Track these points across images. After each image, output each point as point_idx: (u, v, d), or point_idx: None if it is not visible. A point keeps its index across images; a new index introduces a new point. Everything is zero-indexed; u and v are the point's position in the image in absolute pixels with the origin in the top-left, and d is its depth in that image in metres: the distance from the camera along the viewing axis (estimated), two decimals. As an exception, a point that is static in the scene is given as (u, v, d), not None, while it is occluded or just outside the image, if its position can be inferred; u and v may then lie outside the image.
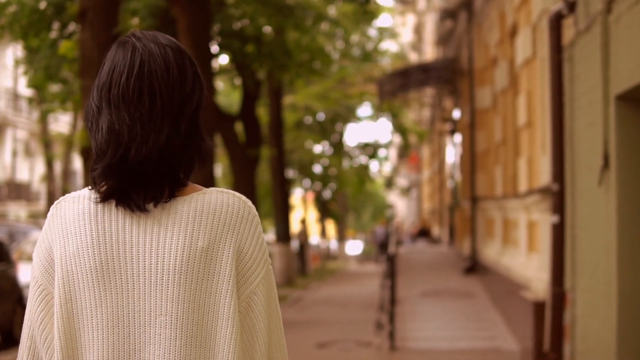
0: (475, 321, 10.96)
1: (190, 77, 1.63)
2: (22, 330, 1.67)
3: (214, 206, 1.60)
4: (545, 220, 8.13)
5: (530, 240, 9.91)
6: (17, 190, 35.13)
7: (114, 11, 8.34)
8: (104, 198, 1.59)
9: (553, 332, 6.94)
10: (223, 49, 14.75)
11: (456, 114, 20.47)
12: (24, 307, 11.73)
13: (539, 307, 7.60)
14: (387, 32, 29.65)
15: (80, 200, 1.63)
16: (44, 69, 10.80)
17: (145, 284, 1.57)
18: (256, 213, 1.65)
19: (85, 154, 8.14)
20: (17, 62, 11.82)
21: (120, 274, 1.58)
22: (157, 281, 1.56)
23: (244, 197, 1.65)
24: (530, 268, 9.45)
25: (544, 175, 8.17)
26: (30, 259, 14.88)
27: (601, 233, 5.89)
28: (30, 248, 15.40)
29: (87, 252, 1.58)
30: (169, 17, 11.63)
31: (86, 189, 1.65)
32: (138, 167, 1.56)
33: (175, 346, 1.55)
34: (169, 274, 1.56)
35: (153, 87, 1.58)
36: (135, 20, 12.14)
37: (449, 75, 19.47)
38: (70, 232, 1.60)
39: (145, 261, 1.57)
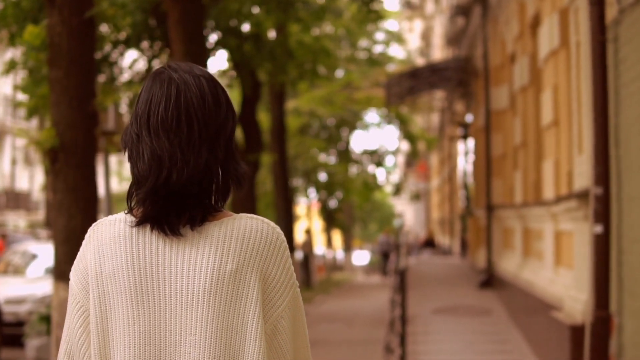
0: (496, 343, 9.88)
1: (223, 104, 1.70)
2: (60, 347, 1.72)
3: (243, 231, 1.67)
4: (580, 231, 7.08)
5: (557, 253, 8.86)
6: (16, 200, 34.38)
7: (86, -7, 7.30)
8: (140, 222, 1.67)
9: (595, 362, 5.90)
10: (220, 46, 13.77)
11: (469, 117, 19.46)
12: (2, 324, 10.77)
13: (576, 331, 6.53)
14: (394, 37, 28.66)
15: (116, 224, 1.70)
16: (16, 63, 9.84)
17: (176, 304, 1.63)
18: (284, 239, 1.72)
19: (53, 155, 7.08)
20: (12, 63, 10.93)
21: (154, 294, 1.64)
22: (187, 302, 1.63)
23: (272, 224, 1.72)
24: (559, 284, 8.40)
25: (580, 178, 7.12)
26: (17, 271, 13.93)
27: (660, 246, 4.86)
28: (18, 259, 14.40)
29: (123, 273, 1.65)
30: (160, 12, 10.74)
31: (122, 212, 1.72)
32: (179, 191, 1.63)
33: None
34: (198, 295, 1.63)
35: (190, 114, 1.66)
36: (127, 21, 11.13)
37: (460, 77, 18.41)
38: (106, 253, 1.68)
39: (177, 283, 1.64)
